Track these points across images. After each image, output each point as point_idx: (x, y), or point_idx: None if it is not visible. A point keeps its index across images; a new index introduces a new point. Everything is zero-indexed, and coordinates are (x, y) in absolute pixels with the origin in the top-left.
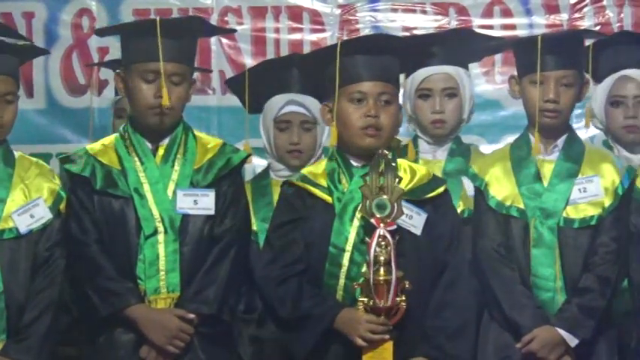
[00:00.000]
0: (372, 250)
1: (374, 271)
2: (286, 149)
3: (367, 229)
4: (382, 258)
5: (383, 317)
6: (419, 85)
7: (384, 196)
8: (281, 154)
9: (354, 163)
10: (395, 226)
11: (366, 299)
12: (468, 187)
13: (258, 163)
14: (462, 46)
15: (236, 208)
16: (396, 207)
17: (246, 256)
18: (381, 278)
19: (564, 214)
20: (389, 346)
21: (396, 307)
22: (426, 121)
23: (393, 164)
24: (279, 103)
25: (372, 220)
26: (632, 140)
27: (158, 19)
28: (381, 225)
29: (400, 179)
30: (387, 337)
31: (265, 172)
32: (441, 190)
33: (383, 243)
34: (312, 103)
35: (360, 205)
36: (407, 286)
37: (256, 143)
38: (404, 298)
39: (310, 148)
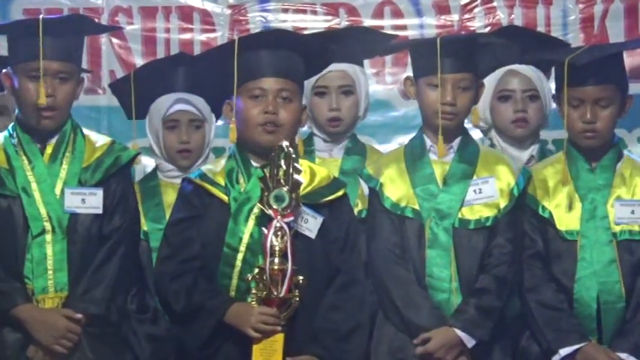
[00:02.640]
0: (269, 241)
1: (269, 261)
2: (175, 149)
3: (264, 224)
4: (278, 249)
5: (275, 309)
6: (315, 83)
7: (283, 188)
8: (170, 154)
9: (254, 163)
10: (292, 218)
11: (259, 291)
12: (366, 186)
13: (148, 163)
14: (357, 43)
15: (125, 206)
16: (294, 199)
17: (135, 255)
18: (276, 268)
19: (459, 215)
20: (280, 338)
21: (289, 302)
22: (322, 118)
23: (294, 156)
24: (167, 103)
25: (270, 212)
26: (521, 135)
27: (41, 17)
28: (279, 217)
29: (300, 171)
30: (278, 328)
31: (153, 173)
32: (339, 193)
33: (279, 233)
34: (200, 102)
35: (257, 203)
36: (300, 281)
37: (146, 143)
38: (297, 293)
39: (199, 147)
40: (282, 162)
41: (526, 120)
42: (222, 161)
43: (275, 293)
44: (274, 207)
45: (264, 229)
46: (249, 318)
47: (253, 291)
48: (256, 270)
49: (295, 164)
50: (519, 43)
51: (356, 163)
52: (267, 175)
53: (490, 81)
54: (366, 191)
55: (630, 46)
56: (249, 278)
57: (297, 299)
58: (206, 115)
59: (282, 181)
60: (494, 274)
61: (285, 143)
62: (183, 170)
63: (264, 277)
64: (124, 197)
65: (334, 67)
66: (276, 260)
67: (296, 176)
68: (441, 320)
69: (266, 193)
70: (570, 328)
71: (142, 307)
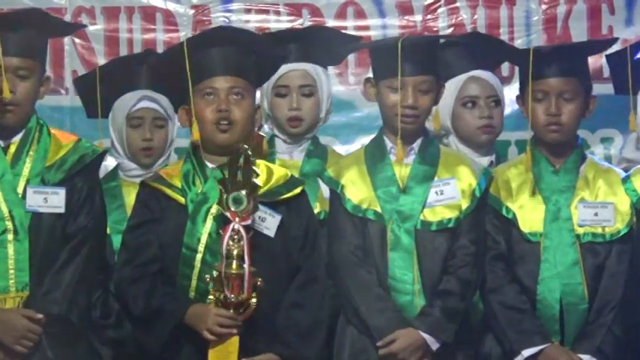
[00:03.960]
0: (225, 244)
1: (226, 264)
2: (138, 147)
3: (222, 225)
4: (235, 252)
5: (232, 311)
6: (276, 82)
7: (242, 191)
8: (133, 151)
9: (210, 165)
10: (250, 221)
11: (216, 293)
12: (325, 188)
13: (109, 163)
14: (320, 43)
15: (91, 206)
16: (252, 202)
17: (100, 256)
18: (233, 272)
19: (421, 217)
20: (235, 341)
21: (247, 303)
22: (282, 118)
23: (252, 159)
24: (132, 100)
25: (228, 214)
26: (486, 140)
27: None
28: (236, 219)
29: (258, 174)
30: (234, 331)
31: (113, 173)
32: (297, 191)
33: (236, 237)
34: (165, 100)
35: (215, 203)
36: (259, 283)
37: (110, 142)
38: (254, 295)
39: (162, 145)
40: (241, 164)
41: (492, 126)
42: (179, 163)
43: (232, 296)
44: (232, 209)
45: (221, 232)
46: (206, 320)
47: (211, 292)
48: (215, 272)
49: (254, 167)
50: (482, 50)
51: (316, 166)
52: (226, 176)
53: (451, 87)
54: (326, 194)
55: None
56: (208, 279)
57: (255, 301)
58: (170, 114)
59: (240, 183)
60: (459, 276)
61: (244, 146)
62: (145, 168)
63: (221, 280)
64: (89, 196)
65: (295, 66)
66: (234, 263)
67: (254, 179)
68: (403, 323)
69: (224, 195)
70: (533, 330)
71: (105, 311)
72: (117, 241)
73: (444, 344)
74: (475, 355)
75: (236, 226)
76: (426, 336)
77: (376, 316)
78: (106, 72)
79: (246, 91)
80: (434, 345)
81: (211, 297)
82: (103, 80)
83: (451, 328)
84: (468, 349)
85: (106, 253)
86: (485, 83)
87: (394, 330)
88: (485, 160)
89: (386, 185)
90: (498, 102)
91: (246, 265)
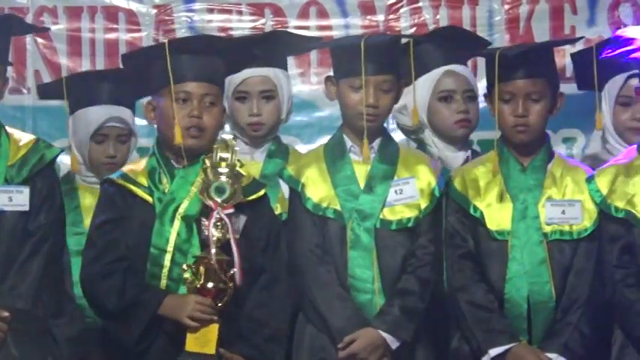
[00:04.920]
0: (210, 232)
1: (207, 252)
2: (101, 162)
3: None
4: (215, 239)
5: (210, 300)
6: (236, 87)
7: (224, 179)
8: (96, 165)
9: (176, 165)
10: (232, 210)
11: (196, 281)
12: (286, 190)
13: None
14: (279, 47)
15: (51, 204)
16: (235, 191)
17: (60, 252)
18: (213, 259)
19: (381, 216)
20: (214, 329)
21: (224, 292)
22: (243, 123)
23: (237, 149)
24: (97, 120)
25: (210, 203)
26: (463, 134)
27: None
28: (218, 208)
29: (242, 164)
30: (215, 318)
31: (70, 175)
32: (260, 193)
33: (219, 224)
34: (128, 114)
35: (197, 192)
36: (233, 272)
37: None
38: (231, 285)
39: (124, 158)
40: (225, 154)
41: (468, 120)
42: (143, 161)
43: (212, 284)
44: (215, 198)
45: (204, 220)
46: (186, 307)
47: (189, 279)
48: (192, 259)
49: (238, 157)
50: (458, 44)
51: (277, 167)
52: (209, 165)
53: (427, 81)
54: (287, 195)
55: (561, 43)
56: (185, 267)
57: (231, 291)
58: (133, 128)
59: (223, 172)
60: (418, 275)
61: (229, 136)
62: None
63: (200, 268)
64: (49, 194)
65: (255, 72)
66: (213, 251)
67: (238, 169)
68: (362, 322)
69: (207, 184)
70: (500, 329)
71: (58, 311)
72: (72, 243)
73: (404, 343)
74: (442, 353)
75: (219, 214)
76: (385, 335)
77: (336, 316)
78: (70, 83)
79: (217, 97)
80: (393, 344)
81: (188, 285)
82: (68, 91)
83: (410, 327)
84: (428, 347)
85: (63, 251)
86: (461, 77)
87: (354, 329)
88: (461, 155)
89: (346, 184)
90: (473, 97)
91: (234, 252)
